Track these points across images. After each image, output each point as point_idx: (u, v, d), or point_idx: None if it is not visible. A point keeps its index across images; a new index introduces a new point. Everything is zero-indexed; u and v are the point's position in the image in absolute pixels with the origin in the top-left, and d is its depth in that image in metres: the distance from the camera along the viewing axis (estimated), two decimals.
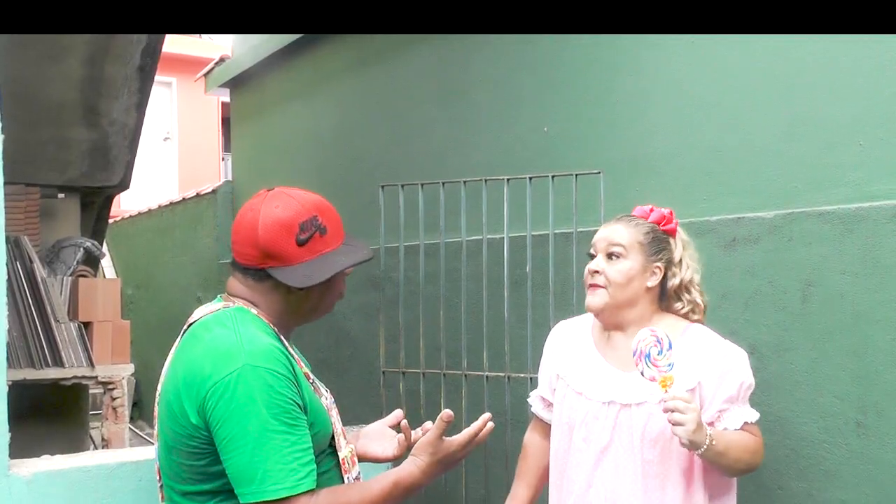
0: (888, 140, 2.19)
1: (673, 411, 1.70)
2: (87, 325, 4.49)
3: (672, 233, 1.98)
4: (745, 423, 1.87)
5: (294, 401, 1.50)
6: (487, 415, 1.63)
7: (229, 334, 1.53)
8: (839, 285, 2.25)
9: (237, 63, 6.09)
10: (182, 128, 13.80)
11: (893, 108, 2.18)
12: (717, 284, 2.55)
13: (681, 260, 1.96)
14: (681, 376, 1.81)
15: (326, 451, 1.64)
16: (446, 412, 1.58)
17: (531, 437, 2.17)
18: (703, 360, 1.86)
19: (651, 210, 1.98)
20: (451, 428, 1.58)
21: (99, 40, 4.21)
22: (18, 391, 3.02)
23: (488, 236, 2.88)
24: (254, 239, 1.57)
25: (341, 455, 1.66)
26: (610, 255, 1.92)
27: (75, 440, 4.59)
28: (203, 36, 12.74)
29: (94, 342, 4.46)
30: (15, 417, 1.94)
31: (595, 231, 2.01)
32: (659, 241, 1.94)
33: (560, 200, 2.74)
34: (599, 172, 2.59)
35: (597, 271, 1.92)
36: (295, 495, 1.45)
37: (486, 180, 2.84)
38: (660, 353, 1.75)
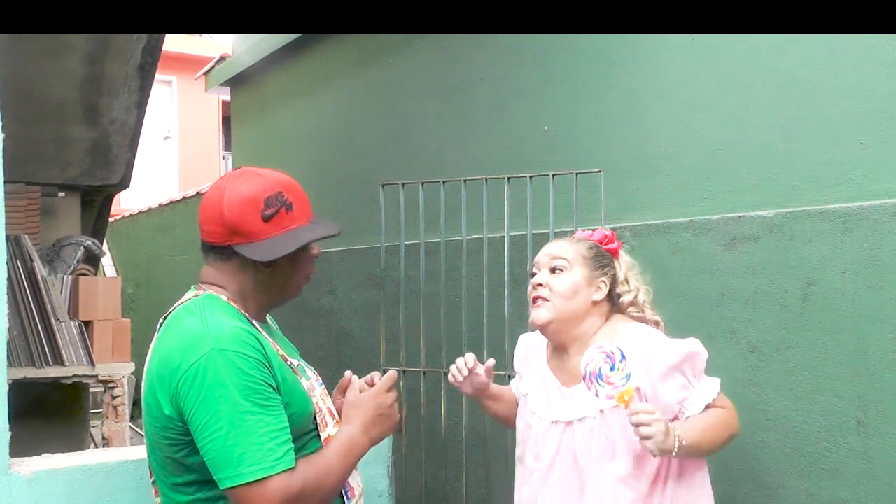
0: (889, 138, 2.19)
1: (638, 426, 1.63)
2: (87, 323, 4.50)
3: (614, 252, 1.96)
4: (710, 402, 1.81)
5: (266, 381, 1.50)
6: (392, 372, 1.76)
7: (196, 323, 1.53)
8: (840, 284, 2.25)
9: (238, 62, 6.09)
10: (182, 126, 13.82)
11: (894, 107, 2.18)
12: (717, 283, 2.55)
13: (626, 279, 1.95)
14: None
15: (312, 432, 1.63)
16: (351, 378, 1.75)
17: None
18: (641, 361, 1.78)
19: (594, 231, 1.99)
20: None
21: (99, 38, 4.22)
22: (19, 390, 3.03)
23: (489, 235, 2.88)
24: (220, 216, 1.57)
25: (324, 434, 1.65)
26: (553, 270, 1.89)
27: (76, 439, 4.59)
28: (203, 35, 12.74)
29: (94, 341, 4.48)
30: (15, 416, 1.94)
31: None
32: (602, 258, 1.93)
33: (561, 199, 2.74)
34: (600, 171, 2.59)
35: (541, 284, 1.88)
36: (273, 475, 1.44)
37: (486, 179, 2.84)
38: (612, 368, 1.68)
